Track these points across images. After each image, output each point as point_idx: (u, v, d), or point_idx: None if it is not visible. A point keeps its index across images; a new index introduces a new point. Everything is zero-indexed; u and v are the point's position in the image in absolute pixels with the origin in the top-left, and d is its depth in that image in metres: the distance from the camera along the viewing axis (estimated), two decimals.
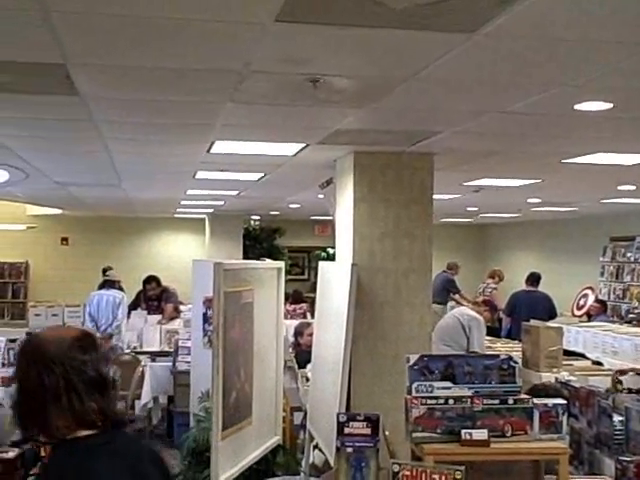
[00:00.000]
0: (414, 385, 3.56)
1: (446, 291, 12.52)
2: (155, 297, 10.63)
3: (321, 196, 7.89)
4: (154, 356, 8.69)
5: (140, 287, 10.98)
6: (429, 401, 3.51)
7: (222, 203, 11.22)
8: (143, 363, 8.45)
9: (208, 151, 5.77)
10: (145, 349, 9.07)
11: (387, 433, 4.22)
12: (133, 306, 10.58)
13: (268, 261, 7.86)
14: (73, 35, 2.95)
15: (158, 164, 6.96)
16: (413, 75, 3.44)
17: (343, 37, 2.92)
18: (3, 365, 6.78)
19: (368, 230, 5.52)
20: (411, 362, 3.63)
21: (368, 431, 3.41)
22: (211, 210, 13.23)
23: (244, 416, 4.75)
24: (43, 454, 3.78)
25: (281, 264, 5.53)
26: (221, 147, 5.56)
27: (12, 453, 3.72)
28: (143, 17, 2.72)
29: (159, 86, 3.79)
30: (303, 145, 5.46)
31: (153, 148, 5.95)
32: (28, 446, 4.06)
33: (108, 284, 10.15)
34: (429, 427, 3.49)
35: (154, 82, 3.71)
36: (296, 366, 6.69)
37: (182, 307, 10.47)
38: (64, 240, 15.52)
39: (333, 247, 15.17)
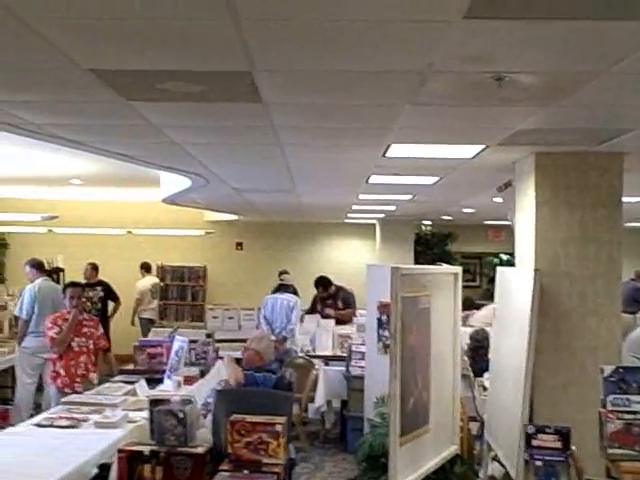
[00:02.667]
0: (609, 398, 3.37)
1: (634, 301, 11.81)
2: (329, 296, 10.78)
3: (499, 200, 7.68)
4: (327, 360, 8.79)
5: (312, 292, 11.16)
6: (626, 416, 3.30)
7: (394, 208, 11.19)
8: (317, 367, 8.55)
9: (383, 155, 5.74)
10: (318, 353, 9.19)
11: (574, 448, 4.01)
12: (311, 311, 10.74)
13: (445, 266, 7.73)
14: (260, 42, 3.00)
15: (332, 169, 7.02)
16: (606, 69, 3.24)
17: (532, 31, 2.79)
18: (186, 365, 7.05)
19: (551, 235, 5.29)
20: (605, 374, 3.43)
21: (559, 444, 3.25)
22: (382, 215, 13.25)
23: (421, 423, 4.69)
24: (230, 450, 3.88)
25: (458, 269, 5.42)
26: (397, 151, 5.52)
27: (201, 448, 3.83)
28: (328, 21, 2.72)
29: (340, 90, 3.80)
30: (482, 147, 5.31)
31: (329, 153, 6.01)
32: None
33: (282, 288, 10.35)
34: (626, 444, 3.28)
35: (335, 86, 3.72)
36: (472, 374, 6.53)
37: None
38: (239, 245, 16.02)
39: (506, 253, 14.78)
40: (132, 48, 3.09)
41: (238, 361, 5.86)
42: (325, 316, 10.48)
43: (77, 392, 6.39)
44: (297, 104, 4.18)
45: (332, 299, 10.72)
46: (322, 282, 10.93)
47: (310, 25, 2.78)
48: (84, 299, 10.71)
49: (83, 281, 10.93)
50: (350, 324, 9.93)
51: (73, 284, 7.30)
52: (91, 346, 6.96)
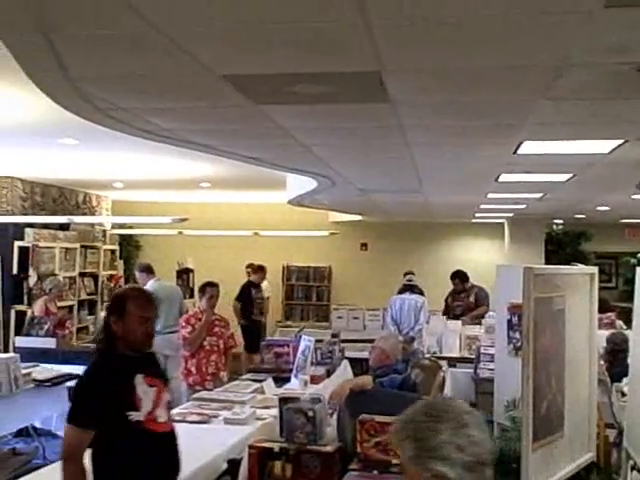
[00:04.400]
0: None
1: None
2: (463, 290, 10.67)
3: (638, 197, 7.34)
4: (454, 361, 8.65)
5: (438, 292, 11.06)
6: None
7: (524, 206, 10.91)
8: (444, 368, 8.43)
9: (514, 152, 5.60)
10: (444, 354, 9.06)
11: None
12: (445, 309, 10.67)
13: (580, 266, 7.45)
14: (391, 42, 2.97)
15: (461, 168, 6.91)
16: None
17: None
18: (312, 364, 7.09)
19: None
20: None
21: None
22: (511, 214, 12.95)
23: (555, 429, 4.52)
24: (359, 450, 3.86)
25: (594, 269, 5.19)
26: (529, 148, 5.37)
27: (331, 447, 3.83)
28: (459, 16, 2.66)
29: (470, 87, 3.72)
30: (621, 141, 5.09)
31: (457, 152, 5.91)
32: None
33: (409, 288, 10.26)
34: None
35: (465, 83, 3.64)
36: (608, 379, 6.27)
37: None
38: (363, 246, 16.02)
39: None
40: (262, 52, 3.13)
41: (361, 361, 5.86)
42: (454, 309, 10.40)
43: (207, 389, 6.56)
44: (426, 103, 4.12)
45: (465, 293, 10.60)
46: (458, 275, 10.87)
47: (441, 22, 2.73)
48: (258, 300, 11.19)
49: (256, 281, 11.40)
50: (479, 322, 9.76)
51: (211, 284, 7.37)
52: (222, 345, 7.13)
